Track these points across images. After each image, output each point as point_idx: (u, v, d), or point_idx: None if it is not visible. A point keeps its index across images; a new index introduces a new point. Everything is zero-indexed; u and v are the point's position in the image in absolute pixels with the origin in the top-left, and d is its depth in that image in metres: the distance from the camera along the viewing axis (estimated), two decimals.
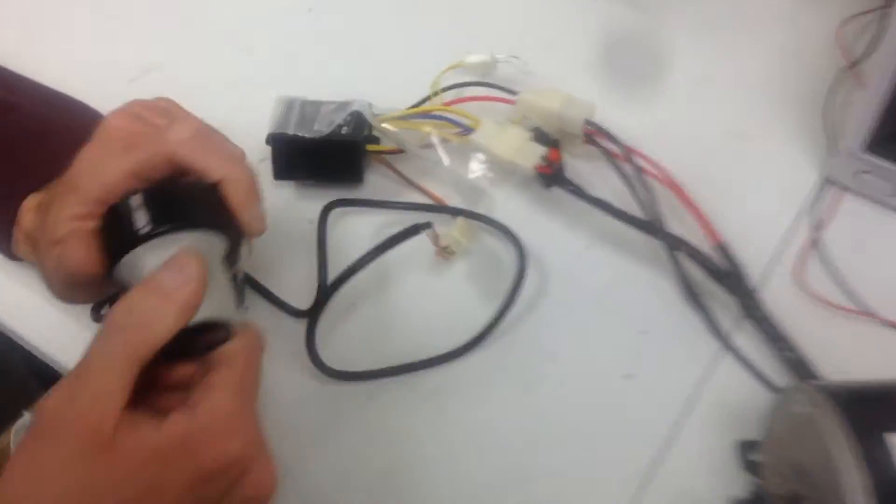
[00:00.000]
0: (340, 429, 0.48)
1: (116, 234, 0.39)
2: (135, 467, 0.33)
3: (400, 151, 0.58)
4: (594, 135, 0.57)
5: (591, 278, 0.54)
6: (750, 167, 0.60)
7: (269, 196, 0.57)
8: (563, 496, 0.46)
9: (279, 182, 0.58)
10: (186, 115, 0.45)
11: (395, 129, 0.57)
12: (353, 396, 0.49)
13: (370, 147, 0.57)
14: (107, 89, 0.63)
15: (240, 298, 0.43)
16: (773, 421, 0.44)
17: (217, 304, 0.38)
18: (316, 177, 0.57)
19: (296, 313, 0.51)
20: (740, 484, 0.46)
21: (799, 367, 0.48)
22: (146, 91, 0.63)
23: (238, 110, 0.61)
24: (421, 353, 0.50)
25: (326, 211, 0.55)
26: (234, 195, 0.41)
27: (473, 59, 0.63)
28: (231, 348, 0.38)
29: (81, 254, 0.39)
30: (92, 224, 0.40)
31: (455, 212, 0.55)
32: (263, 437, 0.37)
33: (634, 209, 0.54)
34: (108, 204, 0.40)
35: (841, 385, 0.40)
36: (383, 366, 0.50)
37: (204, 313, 0.37)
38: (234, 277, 0.43)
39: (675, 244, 0.51)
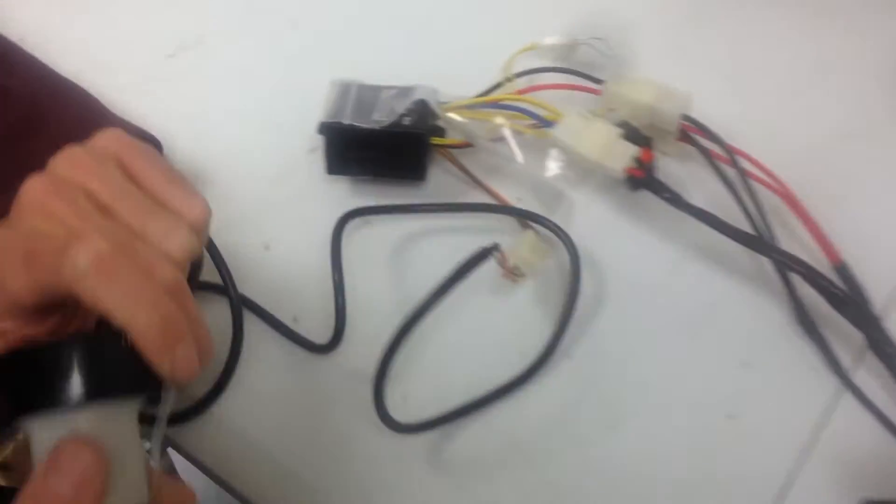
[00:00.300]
0: (404, 478, 0.43)
1: (13, 389, 0.32)
2: None
3: (468, 145, 0.52)
4: (691, 131, 0.51)
5: (686, 299, 0.48)
6: (873, 173, 0.53)
7: (321, 192, 0.52)
8: None
9: (332, 176, 0.52)
10: (115, 197, 0.36)
11: (463, 120, 0.51)
12: (417, 444, 0.44)
13: (434, 140, 0.51)
14: (141, 67, 0.58)
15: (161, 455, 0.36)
16: None
17: (128, 490, 0.32)
18: (373, 172, 0.52)
19: (316, 348, 0.46)
20: None
21: None
22: (185, 68, 0.58)
23: (286, 93, 0.56)
24: (489, 385, 0.45)
25: (343, 223, 0.49)
26: (146, 347, 0.33)
27: (551, 40, 0.57)
28: None
29: None
30: (24, 334, 0.34)
31: (489, 209, 0.50)
32: None
33: (738, 220, 0.48)
34: (20, 308, 0.34)
35: None
36: (448, 403, 0.44)
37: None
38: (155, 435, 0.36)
39: (787, 263, 0.45)
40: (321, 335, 0.46)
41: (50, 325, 0.35)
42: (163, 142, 0.53)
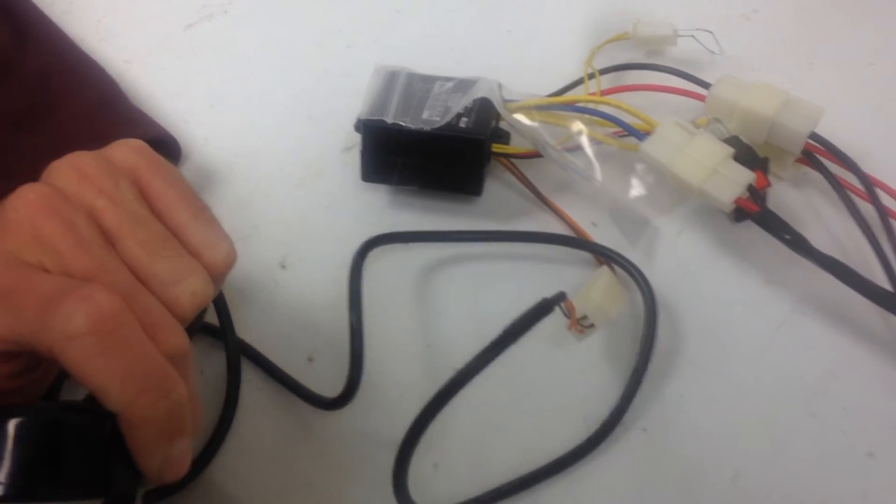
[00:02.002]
0: None
1: None
2: None
3: (536, 155, 0.46)
4: (817, 153, 0.45)
5: (796, 365, 0.42)
6: None
7: (353, 199, 0.47)
8: None
9: (368, 185, 0.47)
10: (124, 223, 0.31)
11: (532, 123, 0.46)
12: None
13: (496, 147, 0.46)
14: (155, 36, 0.54)
15: None
16: None
17: None
18: (419, 183, 0.47)
19: (324, 404, 0.41)
20: None
21: None
22: (205, 42, 0.54)
23: (322, 77, 0.52)
24: (540, 458, 0.39)
25: (364, 251, 0.43)
26: (137, 439, 0.28)
27: (645, 29, 0.51)
28: None
29: None
30: None
31: (541, 239, 0.45)
32: None
33: (871, 268, 0.41)
34: None
35: None
36: (489, 478, 0.39)
37: None
38: None
39: None
40: (337, 383, 0.41)
41: (7, 370, 0.30)
42: (172, 128, 0.49)
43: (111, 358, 0.27)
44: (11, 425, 0.27)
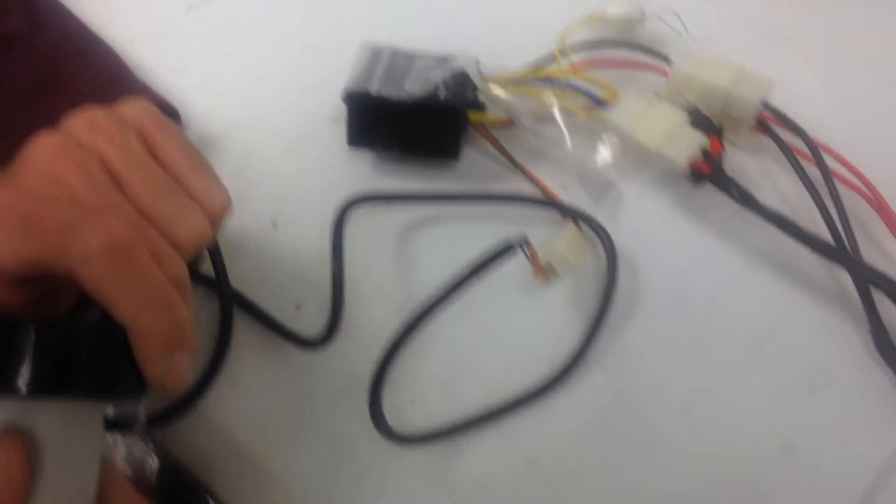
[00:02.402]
0: (401, 495, 0.42)
1: None
2: None
3: (510, 124, 0.51)
4: (769, 122, 0.49)
5: (746, 313, 0.46)
6: None
7: (339, 165, 0.52)
8: None
9: (354, 150, 0.52)
10: (131, 168, 0.36)
11: (507, 95, 0.50)
12: (420, 457, 0.43)
13: (473, 116, 0.50)
14: (157, 18, 0.59)
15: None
16: None
17: (66, 498, 0.32)
18: (400, 148, 0.51)
19: (307, 344, 0.45)
20: None
21: None
22: (203, 24, 0.59)
23: (311, 55, 0.56)
24: (507, 394, 0.44)
25: (346, 208, 0.48)
26: (142, 349, 0.33)
27: (615, 10, 0.56)
28: None
29: None
30: None
31: (513, 199, 0.49)
32: None
33: (816, 225, 0.45)
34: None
35: None
36: (460, 411, 0.43)
37: None
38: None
39: (871, 278, 0.43)
40: (321, 328, 0.45)
41: (25, 297, 0.35)
42: (174, 101, 0.53)
43: (122, 277, 0.32)
44: (33, 332, 0.31)
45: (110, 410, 0.34)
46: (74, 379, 0.32)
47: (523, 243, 0.39)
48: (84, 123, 0.35)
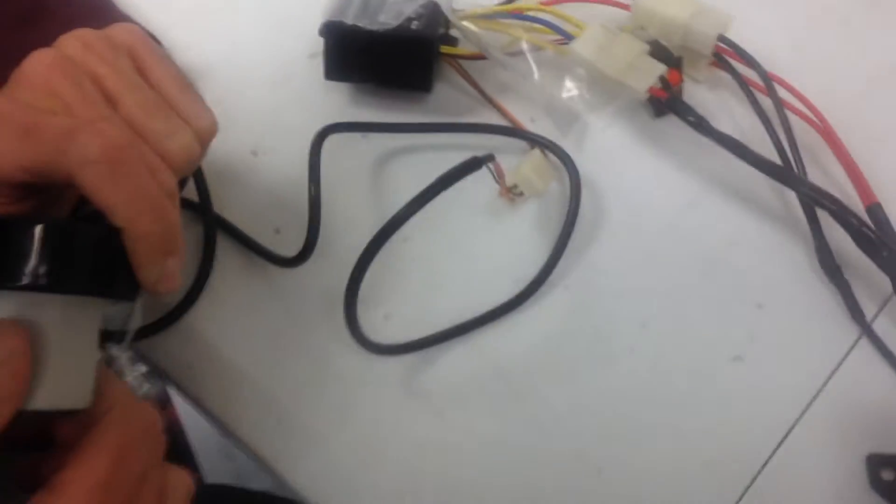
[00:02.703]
0: (378, 401, 0.45)
1: None
2: None
3: (481, 57, 0.53)
4: (726, 55, 0.51)
5: (701, 234, 0.49)
6: None
7: (318, 99, 0.53)
8: (643, 497, 0.42)
9: (331, 84, 0.53)
10: (124, 88, 0.37)
11: (478, 30, 0.52)
12: (395, 367, 0.46)
13: (444, 49, 0.52)
14: None
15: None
16: None
17: (72, 391, 0.34)
18: (376, 80, 0.53)
19: (284, 262, 0.48)
20: None
21: None
22: None
23: None
24: (477, 309, 0.46)
25: (322, 136, 0.49)
26: (137, 252, 0.34)
27: None
28: (92, 441, 0.33)
29: None
30: None
31: (478, 130, 0.51)
32: None
33: (768, 152, 0.48)
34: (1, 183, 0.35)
35: None
36: (432, 325, 0.46)
37: (49, 400, 0.32)
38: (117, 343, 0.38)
39: (816, 198, 0.45)
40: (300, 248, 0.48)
41: (25, 207, 0.37)
42: (158, 35, 0.55)
43: (119, 181, 0.33)
44: (38, 229, 0.33)
45: (104, 313, 0.37)
46: (75, 276, 0.34)
47: (490, 161, 0.42)
48: (78, 43, 0.37)
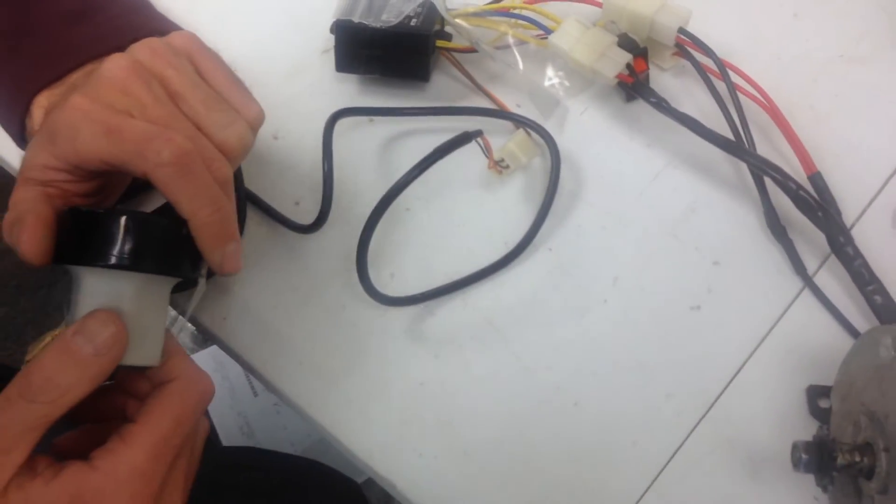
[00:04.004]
0: (385, 346, 0.51)
1: (80, 238, 0.40)
2: None
3: (472, 50, 0.58)
4: (687, 46, 0.56)
5: (667, 202, 0.54)
6: (862, 95, 0.58)
7: (329, 89, 0.59)
8: (613, 425, 0.48)
9: (341, 75, 0.59)
10: (187, 87, 0.43)
11: (469, 26, 0.58)
12: (400, 317, 0.52)
13: (440, 43, 0.58)
14: None
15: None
16: (849, 365, 0.44)
17: (146, 352, 0.40)
18: (380, 71, 0.58)
19: (302, 229, 0.53)
20: (806, 431, 0.46)
21: (887, 312, 0.48)
22: None
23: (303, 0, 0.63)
24: (471, 268, 0.52)
25: (333, 119, 0.55)
26: (203, 239, 0.41)
27: None
28: (161, 402, 0.39)
29: (29, 235, 0.40)
30: (69, 189, 0.41)
31: (469, 113, 0.57)
32: (174, 496, 0.39)
33: (723, 130, 0.53)
34: (80, 168, 0.41)
35: None
36: (432, 282, 0.51)
37: (128, 360, 0.39)
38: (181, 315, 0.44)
39: (762, 168, 0.51)
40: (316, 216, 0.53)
41: (91, 187, 0.43)
42: None
43: (185, 181, 0.40)
44: (122, 220, 0.39)
45: (172, 288, 0.43)
46: (149, 258, 0.40)
47: (478, 135, 0.47)
48: (147, 50, 0.43)
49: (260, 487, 0.71)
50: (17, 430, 0.36)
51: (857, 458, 0.39)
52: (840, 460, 0.39)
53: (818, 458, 0.39)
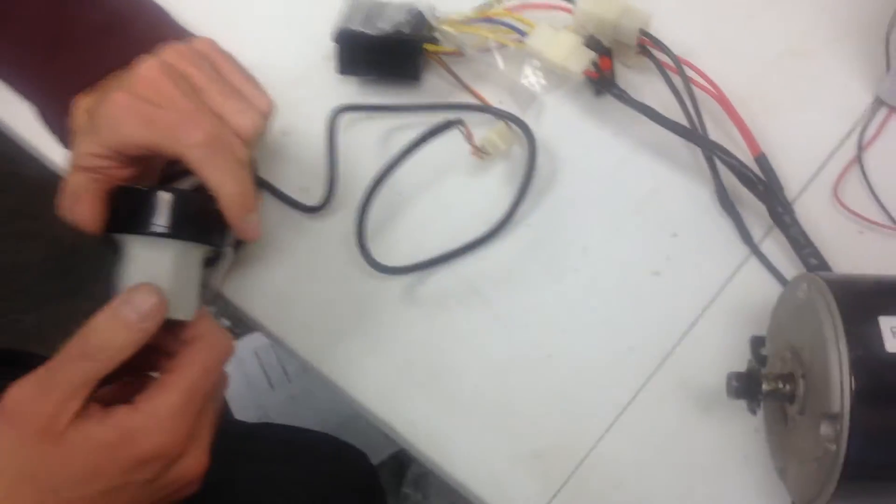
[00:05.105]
0: (382, 311, 0.57)
1: (127, 211, 0.47)
2: (78, 455, 0.42)
3: (458, 53, 0.65)
4: (648, 45, 0.63)
5: (631, 183, 0.61)
6: (805, 86, 0.65)
7: (332, 91, 0.66)
8: (582, 373, 0.54)
9: (343, 77, 0.66)
10: (207, 82, 0.49)
11: (455, 32, 0.65)
12: (395, 286, 0.58)
13: (429, 47, 0.64)
14: None
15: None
16: (777, 310, 0.50)
17: (182, 307, 0.47)
18: (377, 73, 0.65)
19: (307, 209, 0.60)
20: None
21: (821, 271, 0.54)
22: None
23: (309, 8, 0.70)
24: (458, 243, 0.59)
25: (335, 114, 0.62)
26: (230, 209, 0.47)
27: None
28: (191, 355, 0.46)
29: (87, 208, 0.48)
30: (114, 174, 0.49)
31: (455, 108, 0.63)
32: (204, 431, 0.46)
33: (679, 118, 0.60)
34: (122, 154, 0.48)
35: (841, 275, 0.46)
36: (423, 256, 0.58)
37: (170, 312, 0.46)
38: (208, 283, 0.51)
39: (712, 150, 0.58)
40: (321, 199, 0.60)
41: (132, 171, 0.50)
42: None
43: (213, 159, 0.47)
44: (164, 195, 0.47)
45: (205, 255, 0.50)
46: (185, 227, 0.47)
47: (459, 124, 0.54)
48: (174, 52, 0.50)
49: (272, 454, 0.78)
50: (76, 382, 0.43)
51: (781, 385, 0.45)
52: (765, 386, 0.45)
53: (747, 385, 0.46)
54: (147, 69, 0.49)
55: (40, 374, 0.44)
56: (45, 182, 0.61)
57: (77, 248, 1.63)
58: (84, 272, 1.60)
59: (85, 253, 1.61)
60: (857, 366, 0.41)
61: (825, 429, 0.41)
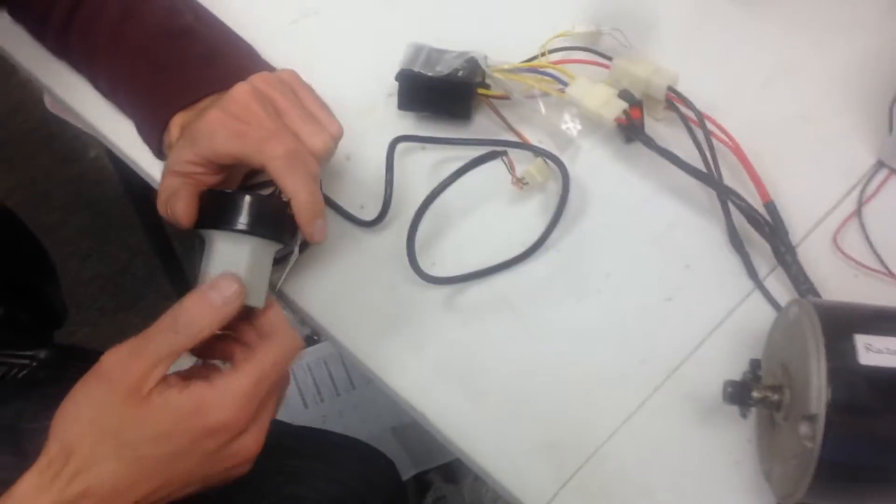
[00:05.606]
0: (425, 316, 0.65)
1: (215, 210, 0.56)
2: (157, 417, 0.50)
3: (506, 97, 0.73)
4: (675, 101, 0.71)
5: (652, 219, 0.68)
6: (813, 147, 0.72)
7: (392, 124, 0.74)
8: (598, 380, 0.61)
9: (402, 112, 0.74)
10: (288, 106, 0.58)
11: (505, 79, 0.73)
12: (437, 295, 0.66)
13: (480, 90, 0.73)
14: (270, 27, 0.82)
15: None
16: (772, 332, 0.57)
17: (255, 295, 0.55)
18: (433, 110, 0.74)
19: (364, 223, 0.68)
20: None
21: None
22: (303, 31, 0.82)
23: (376, 51, 0.79)
24: (495, 261, 0.66)
25: (395, 143, 0.70)
26: (301, 214, 0.55)
27: (581, 28, 0.78)
28: (265, 348, 0.53)
29: (183, 206, 0.57)
30: (204, 179, 0.57)
31: (500, 143, 0.71)
32: (264, 416, 0.53)
33: (699, 164, 0.67)
34: (213, 163, 0.57)
35: (826, 301, 0.53)
36: (463, 271, 0.66)
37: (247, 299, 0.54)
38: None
39: (726, 193, 0.65)
40: (376, 215, 0.68)
41: (219, 178, 0.59)
42: None
43: (291, 170, 0.55)
44: (246, 197, 0.55)
45: (276, 253, 0.58)
46: (263, 226, 0.55)
47: (504, 155, 0.62)
48: (262, 80, 0.60)
49: (308, 452, 0.84)
50: (164, 352, 0.51)
51: (770, 395, 0.52)
52: (755, 393, 0.52)
53: (740, 391, 0.52)
54: (239, 92, 0.58)
55: (133, 342, 0.52)
56: (110, 204, 0.70)
57: (127, 267, 1.74)
58: (135, 290, 1.71)
59: (133, 272, 1.72)
60: (834, 374, 0.48)
61: (804, 428, 0.48)
